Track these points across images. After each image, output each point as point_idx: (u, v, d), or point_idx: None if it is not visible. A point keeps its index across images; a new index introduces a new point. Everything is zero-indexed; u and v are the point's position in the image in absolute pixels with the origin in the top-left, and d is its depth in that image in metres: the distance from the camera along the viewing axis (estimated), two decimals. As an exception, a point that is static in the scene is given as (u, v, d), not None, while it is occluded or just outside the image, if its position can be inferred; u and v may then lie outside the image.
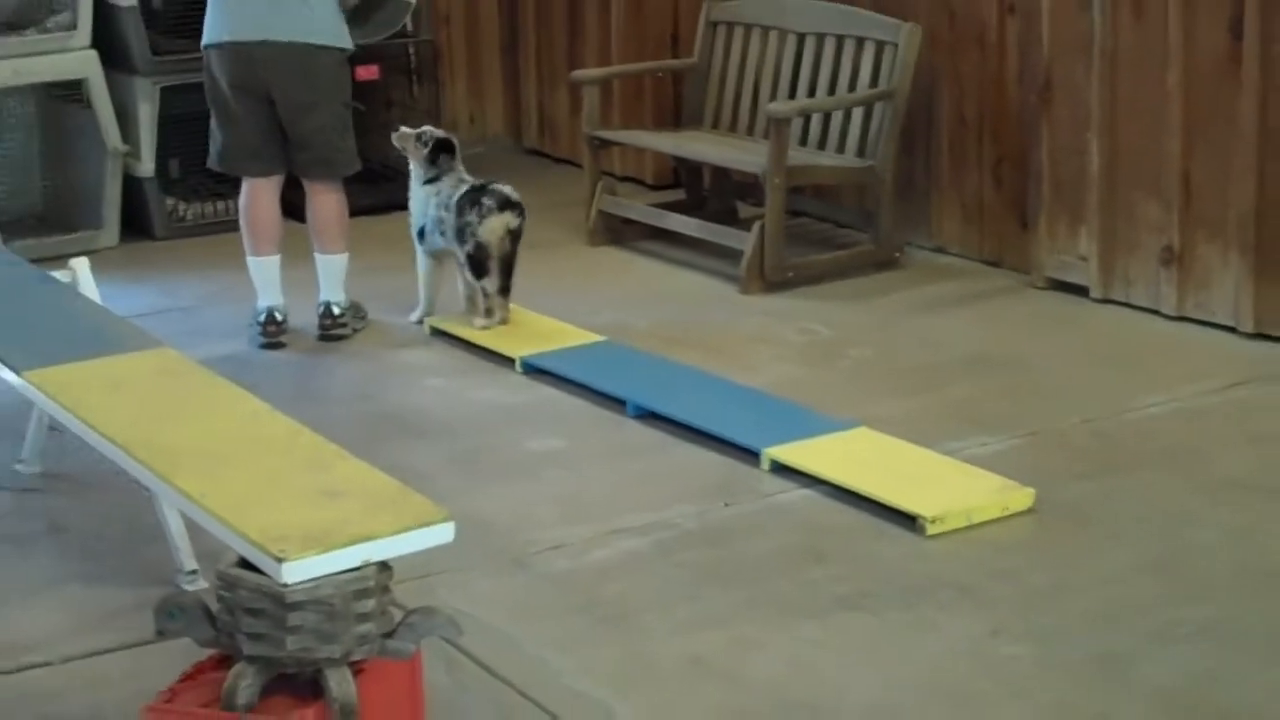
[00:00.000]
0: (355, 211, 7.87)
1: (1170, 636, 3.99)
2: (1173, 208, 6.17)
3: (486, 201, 6.12)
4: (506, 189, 6.20)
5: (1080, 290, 6.49)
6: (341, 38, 6.18)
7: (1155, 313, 6.26)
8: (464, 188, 6.22)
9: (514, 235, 6.15)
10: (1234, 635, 4.00)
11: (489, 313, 6.18)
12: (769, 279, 6.71)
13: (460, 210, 6.14)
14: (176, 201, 7.79)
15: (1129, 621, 4.07)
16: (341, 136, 6.27)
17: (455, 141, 6.42)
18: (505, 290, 6.20)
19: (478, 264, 6.13)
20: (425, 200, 6.31)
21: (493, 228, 6.10)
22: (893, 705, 3.77)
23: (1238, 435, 5.20)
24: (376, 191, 8.09)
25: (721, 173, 7.51)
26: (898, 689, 3.83)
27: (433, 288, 6.39)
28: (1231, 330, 6.02)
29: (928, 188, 7.18)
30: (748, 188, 7.32)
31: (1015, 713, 3.72)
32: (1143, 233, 6.28)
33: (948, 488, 4.77)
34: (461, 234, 6.13)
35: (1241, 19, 5.85)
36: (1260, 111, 5.85)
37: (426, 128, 6.47)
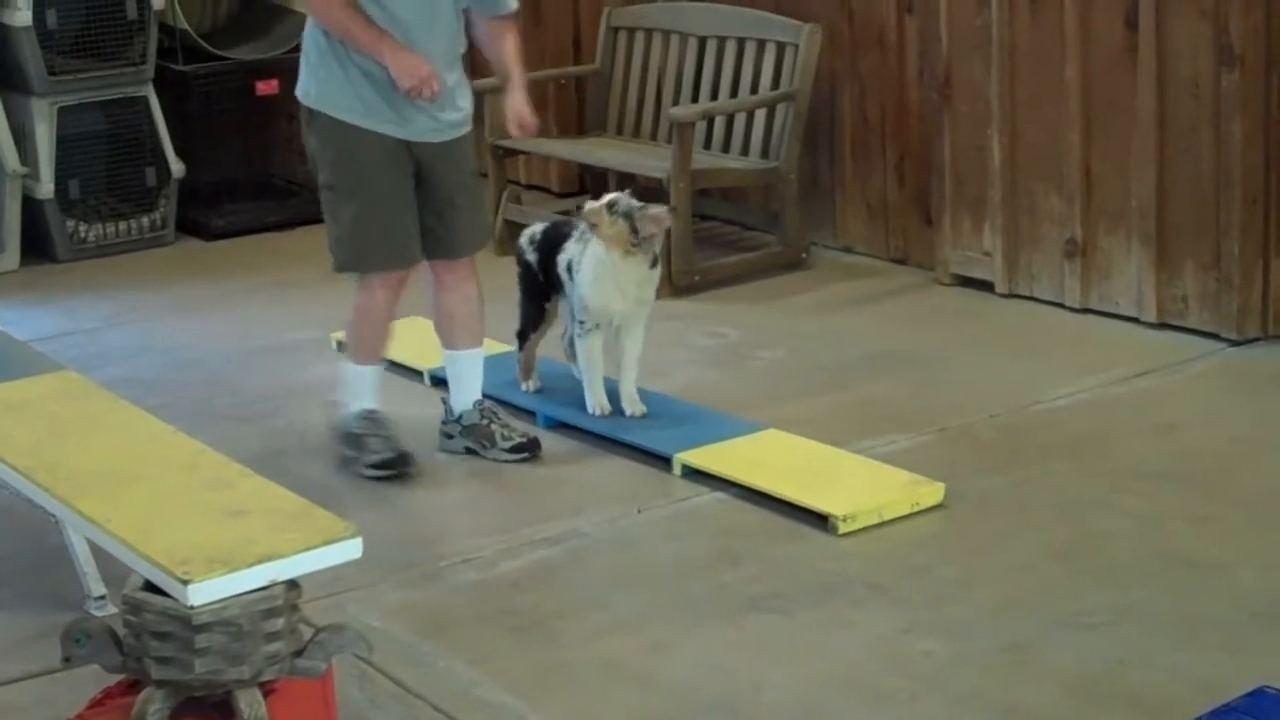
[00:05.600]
0: (261, 228, 7.88)
1: (1079, 624, 4.02)
2: (1074, 200, 6.22)
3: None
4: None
5: (985, 285, 6.54)
6: (306, 93, 5.02)
7: (1060, 305, 6.31)
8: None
9: None
10: (1142, 621, 4.03)
11: None
12: (676, 283, 6.72)
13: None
14: (77, 223, 7.71)
15: (1039, 610, 4.10)
16: (331, 219, 5.08)
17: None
18: None
19: None
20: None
21: None
22: (808, 704, 3.77)
23: (1143, 425, 5.24)
24: (281, 208, 8.08)
25: (627, 178, 7.48)
26: (812, 688, 3.83)
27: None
28: (1135, 321, 6.08)
29: (832, 187, 7.22)
30: (654, 192, 7.30)
31: (929, 707, 3.73)
32: (1045, 226, 6.33)
33: (858, 486, 4.79)
34: None
35: (1136, 9, 5.91)
36: (1158, 101, 5.91)
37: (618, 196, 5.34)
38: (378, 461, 5.09)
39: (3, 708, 3.91)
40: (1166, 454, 5.02)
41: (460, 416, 5.25)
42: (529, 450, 5.19)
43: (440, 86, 4.86)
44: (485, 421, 5.23)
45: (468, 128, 5.12)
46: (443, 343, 5.32)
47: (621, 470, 5.09)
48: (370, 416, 5.17)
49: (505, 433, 5.20)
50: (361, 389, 5.19)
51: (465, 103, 5.08)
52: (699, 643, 4.05)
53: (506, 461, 5.15)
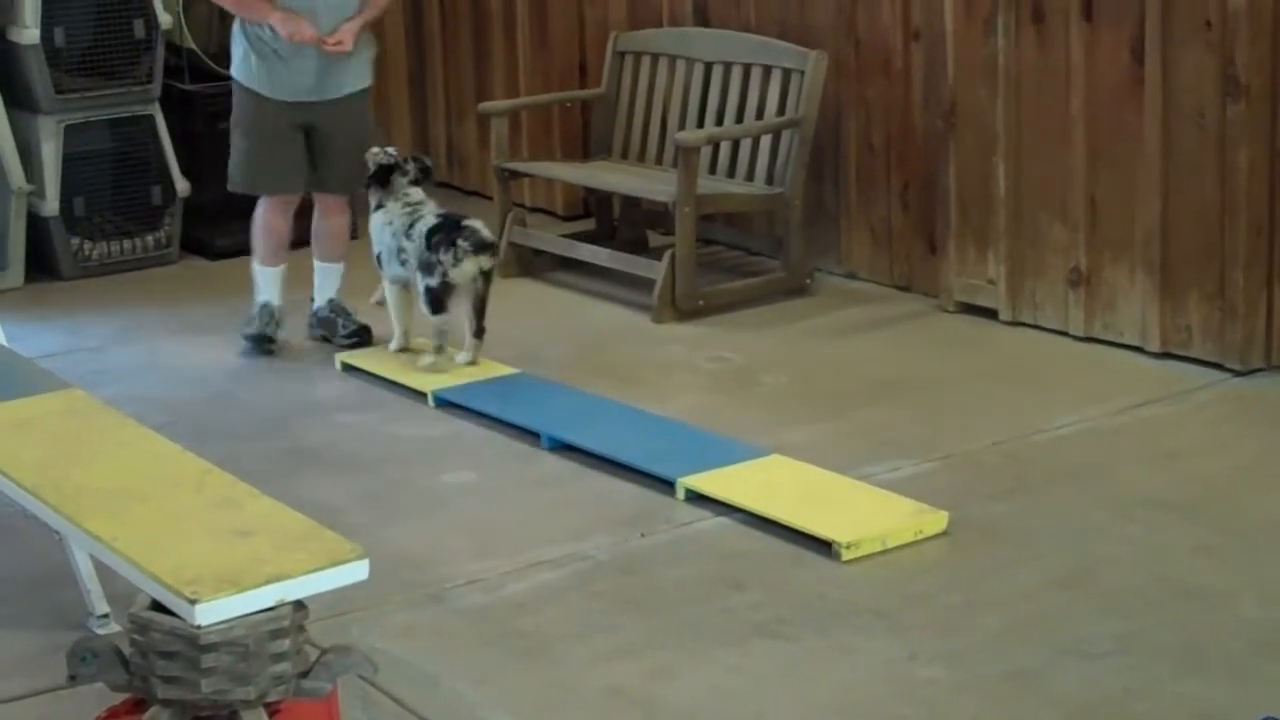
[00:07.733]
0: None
1: (1084, 652, 4.02)
2: (1079, 229, 6.23)
3: (463, 243, 5.93)
4: (482, 230, 6.04)
5: (989, 313, 6.54)
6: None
7: (1064, 334, 6.31)
8: (430, 218, 6.09)
9: (486, 277, 6.04)
10: (1146, 649, 4.04)
11: (438, 350, 6.06)
12: (681, 308, 6.73)
13: (431, 245, 5.98)
14: (82, 241, 7.71)
15: (1043, 638, 4.10)
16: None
17: (400, 163, 6.26)
18: (480, 332, 6.10)
19: (437, 300, 6.00)
20: (380, 227, 6.22)
21: (466, 270, 5.95)
22: (811, 731, 3.78)
23: (1146, 453, 5.25)
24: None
25: (632, 202, 7.53)
26: (816, 714, 3.83)
27: (404, 315, 6.23)
28: (1139, 350, 6.09)
29: (837, 214, 7.22)
30: (658, 217, 7.34)
31: (933, 735, 3.74)
32: (1050, 255, 6.34)
33: (862, 513, 4.79)
34: (429, 269, 5.98)
35: (1142, 40, 5.92)
36: (1162, 132, 5.92)
37: (379, 150, 6.31)
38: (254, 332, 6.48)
39: (6, 726, 3.92)
40: (1170, 483, 5.03)
41: (318, 310, 6.58)
42: (359, 337, 6.42)
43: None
44: (333, 315, 6.51)
45: None
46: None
47: (625, 493, 5.09)
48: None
49: (344, 323, 6.46)
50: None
51: None
52: (702, 668, 4.06)
53: (346, 347, 6.38)
